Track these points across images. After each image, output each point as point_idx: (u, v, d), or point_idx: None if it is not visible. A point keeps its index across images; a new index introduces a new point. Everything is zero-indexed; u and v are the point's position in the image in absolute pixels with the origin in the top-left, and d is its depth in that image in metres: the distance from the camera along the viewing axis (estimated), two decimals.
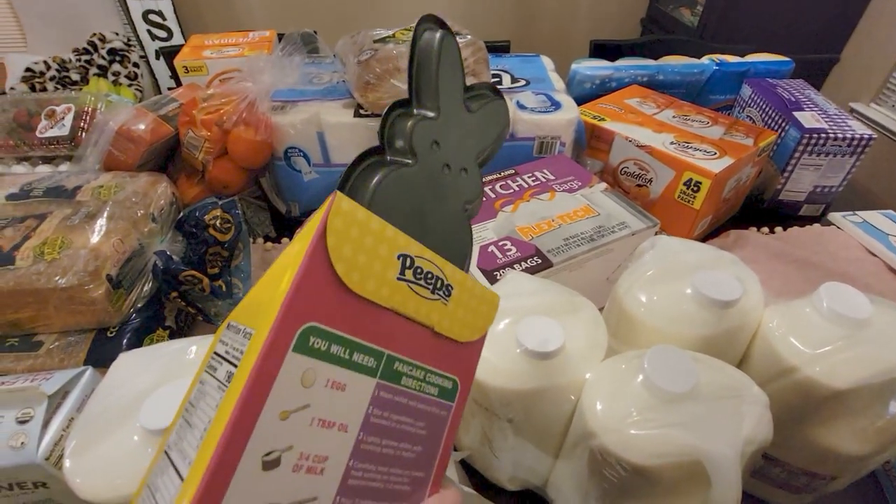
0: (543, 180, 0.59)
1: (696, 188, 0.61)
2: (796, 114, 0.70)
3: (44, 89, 1.06)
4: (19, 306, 0.44)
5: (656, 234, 0.52)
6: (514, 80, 0.72)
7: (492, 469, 0.41)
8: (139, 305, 0.49)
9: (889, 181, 1.35)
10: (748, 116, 0.81)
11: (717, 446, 0.27)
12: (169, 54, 0.96)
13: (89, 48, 1.15)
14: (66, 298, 0.43)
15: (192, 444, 0.15)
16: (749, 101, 0.80)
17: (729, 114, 0.84)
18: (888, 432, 0.33)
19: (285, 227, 0.71)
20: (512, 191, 0.57)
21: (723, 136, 0.66)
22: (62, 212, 0.48)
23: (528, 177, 0.60)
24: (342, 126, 0.61)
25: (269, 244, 0.67)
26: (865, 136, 0.66)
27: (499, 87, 0.54)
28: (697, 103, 0.76)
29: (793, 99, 0.74)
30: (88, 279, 0.43)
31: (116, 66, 1.16)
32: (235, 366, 0.15)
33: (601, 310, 0.39)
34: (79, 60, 1.13)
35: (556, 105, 0.66)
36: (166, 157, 0.67)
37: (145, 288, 0.50)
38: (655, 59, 0.87)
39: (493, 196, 0.57)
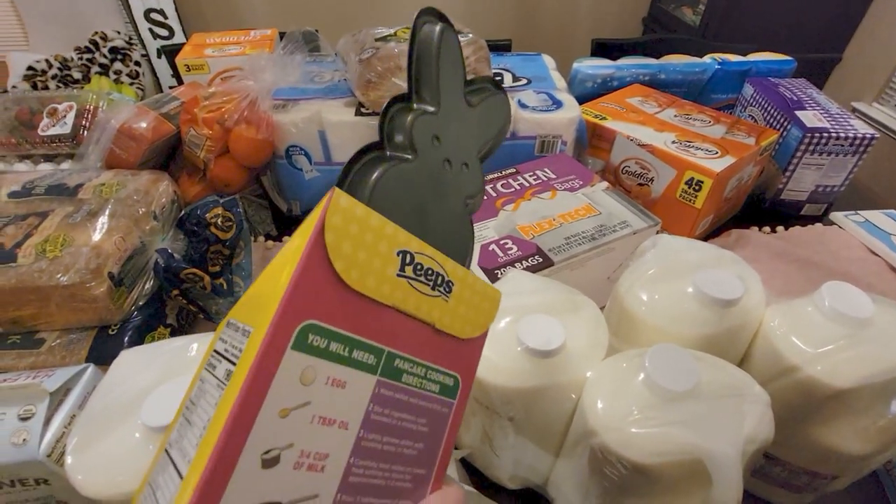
0: (545, 179, 0.59)
1: (697, 187, 0.61)
2: (798, 113, 0.69)
3: (45, 88, 1.06)
4: (21, 304, 0.44)
5: (657, 233, 0.52)
6: (515, 78, 0.72)
7: (492, 467, 0.41)
8: (141, 303, 0.49)
9: (891, 181, 1.35)
10: (750, 116, 0.81)
11: (719, 445, 0.27)
12: (170, 53, 0.96)
13: (91, 47, 1.15)
14: (67, 296, 0.43)
15: (192, 442, 0.15)
16: (751, 101, 0.80)
17: (731, 113, 0.84)
18: (890, 432, 0.33)
19: (286, 225, 0.71)
20: (513, 189, 0.57)
21: (724, 135, 0.66)
22: (64, 209, 0.48)
23: (530, 176, 0.60)
24: (343, 124, 0.61)
25: (270, 242, 0.67)
26: (868, 136, 0.66)
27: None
28: (699, 102, 0.76)
29: (795, 98, 0.74)
30: (90, 277, 0.43)
31: (118, 65, 1.16)
32: (234, 364, 0.15)
33: (602, 309, 0.39)
34: (80, 59, 1.13)
35: (558, 104, 0.65)
36: (168, 156, 0.67)
37: (147, 286, 0.50)
38: (657, 58, 0.87)
39: (494, 195, 0.57)
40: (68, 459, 0.29)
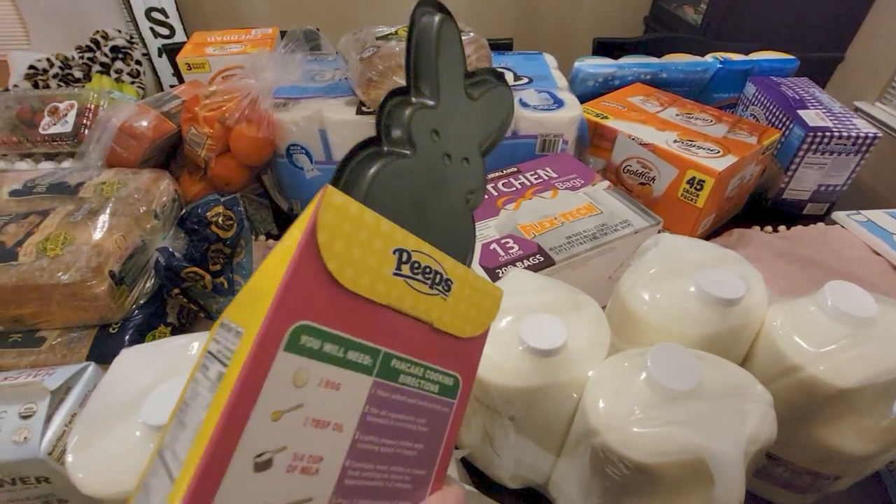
0: (546, 178, 0.59)
1: (699, 186, 0.61)
2: (800, 112, 0.69)
3: (47, 86, 1.06)
4: (22, 302, 0.44)
5: (659, 232, 0.52)
6: (516, 77, 0.72)
7: (493, 467, 0.41)
8: (141, 302, 0.49)
9: (894, 180, 1.34)
10: (752, 115, 0.80)
11: (721, 445, 0.27)
12: (171, 51, 0.96)
13: (92, 46, 1.15)
14: (68, 294, 0.43)
15: (184, 444, 0.15)
16: (753, 100, 0.80)
17: (733, 112, 0.84)
18: (893, 432, 0.33)
19: (287, 224, 0.70)
20: (514, 189, 0.57)
21: (726, 134, 0.66)
22: (65, 208, 0.48)
23: (531, 175, 0.59)
24: (344, 123, 0.61)
25: (271, 241, 0.67)
26: (870, 135, 0.66)
27: None
28: (701, 101, 0.76)
29: (797, 97, 0.73)
30: (91, 275, 0.43)
31: (119, 64, 1.16)
32: (226, 365, 0.15)
33: (604, 308, 0.39)
34: (81, 58, 1.13)
35: (559, 103, 0.65)
36: (169, 154, 0.67)
37: (147, 284, 0.50)
38: (659, 57, 0.86)
39: (495, 194, 0.56)
40: (69, 458, 0.29)
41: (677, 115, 0.71)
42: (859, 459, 0.35)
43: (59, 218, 0.47)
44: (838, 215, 0.71)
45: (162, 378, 0.31)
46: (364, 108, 0.61)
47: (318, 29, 0.77)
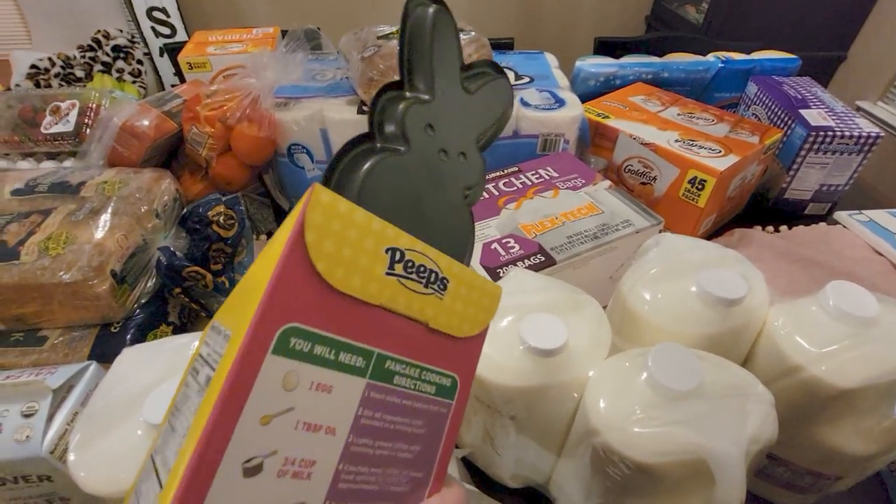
0: (547, 178, 0.59)
1: (700, 186, 0.60)
2: (802, 111, 0.69)
3: (48, 86, 1.06)
4: (24, 301, 0.44)
5: (660, 232, 0.52)
6: (517, 77, 0.72)
7: (494, 466, 0.41)
8: (143, 301, 0.49)
9: None
10: (754, 114, 0.80)
11: (722, 445, 0.27)
12: (173, 51, 0.96)
13: (93, 45, 1.16)
14: (70, 293, 0.44)
15: (173, 449, 0.15)
16: (755, 99, 0.80)
17: (734, 111, 0.84)
18: (894, 432, 0.33)
19: None
20: (515, 188, 0.57)
21: (728, 133, 0.66)
22: (66, 207, 0.48)
23: (532, 174, 0.59)
24: (345, 123, 0.61)
25: None
26: (872, 135, 0.65)
27: None
28: (702, 101, 0.76)
29: (799, 97, 0.73)
30: (92, 274, 0.43)
31: (120, 63, 1.16)
32: (214, 369, 0.15)
33: (605, 308, 0.39)
34: (83, 57, 1.13)
35: (560, 102, 0.65)
36: (170, 154, 0.67)
37: (149, 284, 0.50)
38: (660, 56, 0.86)
39: (496, 193, 0.56)
40: (71, 456, 0.29)
41: (679, 114, 0.71)
42: (861, 460, 0.35)
43: (60, 217, 0.47)
44: (840, 215, 0.71)
45: (163, 377, 0.31)
46: (365, 108, 0.61)
47: (319, 28, 0.77)
